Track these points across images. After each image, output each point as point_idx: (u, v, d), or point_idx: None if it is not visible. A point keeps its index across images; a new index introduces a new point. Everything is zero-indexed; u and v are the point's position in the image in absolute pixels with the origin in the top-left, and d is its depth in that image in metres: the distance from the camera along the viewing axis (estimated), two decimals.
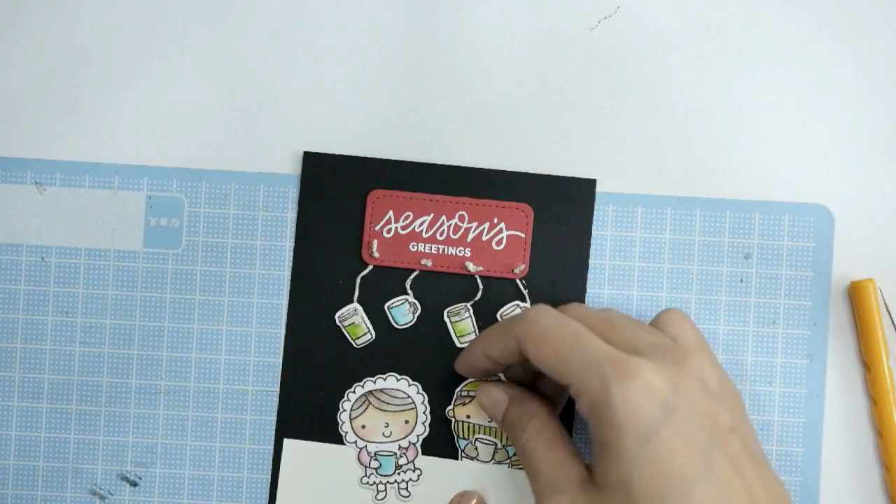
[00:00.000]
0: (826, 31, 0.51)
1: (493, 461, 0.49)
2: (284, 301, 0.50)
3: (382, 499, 0.49)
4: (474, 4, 0.51)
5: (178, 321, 0.50)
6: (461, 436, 0.49)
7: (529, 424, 0.45)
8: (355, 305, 0.50)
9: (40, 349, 0.50)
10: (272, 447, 0.50)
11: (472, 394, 0.49)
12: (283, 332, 0.50)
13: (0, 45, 0.51)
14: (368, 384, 0.49)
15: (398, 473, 0.49)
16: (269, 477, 0.50)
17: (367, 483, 0.49)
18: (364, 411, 0.49)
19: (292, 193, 0.50)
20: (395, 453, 0.49)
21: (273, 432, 0.50)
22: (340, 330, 0.50)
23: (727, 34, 0.51)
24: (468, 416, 0.49)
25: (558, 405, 0.48)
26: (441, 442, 0.50)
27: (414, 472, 0.49)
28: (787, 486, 0.49)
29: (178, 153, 0.50)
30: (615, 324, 0.44)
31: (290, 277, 0.50)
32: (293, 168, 0.50)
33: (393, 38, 0.51)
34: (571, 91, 0.51)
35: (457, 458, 0.49)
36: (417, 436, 0.49)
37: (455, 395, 0.49)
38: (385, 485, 0.49)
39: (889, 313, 0.49)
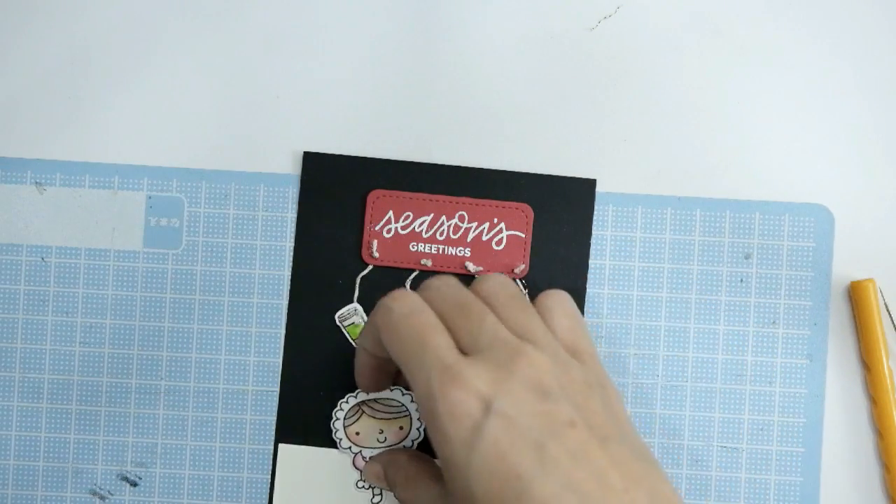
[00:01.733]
0: (826, 31, 0.51)
1: None
2: (284, 301, 0.50)
3: (378, 502, 0.49)
4: (474, 4, 0.51)
5: (178, 321, 0.50)
6: None
7: (397, 478, 0.46)
8: (355, 305, 0.50)
9: (40, 349, 0.50)
10: (272, 447, 0.50)
11: None
12: (283, 332, 0.50)
13: (0, 45, 0.51)
14: (361, 395, 0.49)
15: None
16: (269, 477, 0.50)
17: (364, 486, 0.49)
18: (357, 419, 0.49)
19: (292, 193, 0.50)
20: None
21: (273, 432, 0.50)
22: (340, 330, 0.50)
23: (727, 34, 0.51)
24: None
25: None
26: None
27: None
28: (787, 486, 0.49)
29: (178, 153, 0.50)
30: (471, 313, 0.42)
31: (290, 277, 0.50)
32: (293, 168, 0.50)
33: (393, 38, 0.51)
34: (571, 91, 0.51)
35: None
36: (413, 441, 0.49)
37: None
38: (381, 488, 0.49)
39: (889, 313, 0.49)
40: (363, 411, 0.49)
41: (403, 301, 0.42)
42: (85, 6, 0.51)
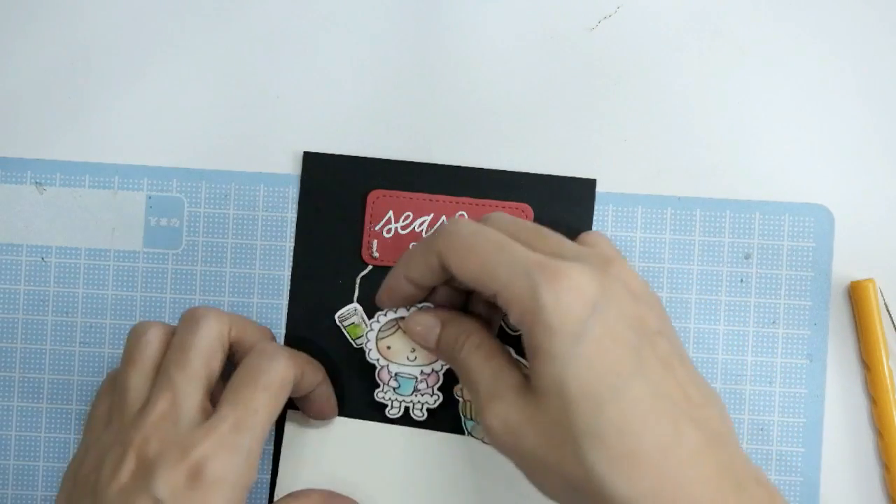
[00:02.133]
0: (826, 32, 0.51)
1: None
2: (284, 301, 0.50)
3: (395, 415, 0.49)
4: (474, 4, 0.51)
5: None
6: (469, 416, 0.49)
7: (467, 342, 0.44)
8: (355, 305, 0.50)
9: (40, 349, 0.50)
10: (272, 447, 0.50)
11: None
12: (283, 332, 0.50)
13: (0, 45, 0.51)
14: (402, 311, 0.48)
15: (415, 395, 0.49)
16: (269, 477, 0.50)
17: (382, 398, 0.49)
18: (392, 334, 0.48)
19: (292, 193, 0.50)
20: (416, 377, 0.48)
21: (273, 432, 0.50)
22: (340, 330, 0.50)
23: (727, 34, 0.51)
24: None
25: (493, 326, 0.47)
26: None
27: (432, 396, 0.48)
28: (787, 485, 0.49)
29: (178, 153, 0.50)
30: (539, 232, 0.43)
31: (290, 277, 0.50)
32: (293, 168, 0.50)
33: (393, 38, 0.51)
34: (571, 91, 0.51)
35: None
36: (441, 364, 0.48)
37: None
38: (400, 402, 0.49)
39: (889, 313, 0.49)
40: (399, 327, 0.48)
41: (468, 224, 0.43)
42: (85, 6, 0.51)
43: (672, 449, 0.39)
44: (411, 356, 0.48)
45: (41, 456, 0.50)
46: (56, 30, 0.51)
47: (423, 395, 0.48)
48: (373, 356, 0.48)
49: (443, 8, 0.51)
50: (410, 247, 0.45)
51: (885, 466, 0.49)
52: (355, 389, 0.49)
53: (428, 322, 0.46)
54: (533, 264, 0.40)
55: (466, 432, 0.49)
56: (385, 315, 0.48)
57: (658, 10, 0.51)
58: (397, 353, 0.48)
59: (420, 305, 0.47)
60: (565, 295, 0.39)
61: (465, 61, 0.51)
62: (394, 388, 0.48)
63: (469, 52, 0.51)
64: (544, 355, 0.40)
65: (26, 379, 0.50)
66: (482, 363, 0.43)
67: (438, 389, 0.48)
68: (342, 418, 0.49)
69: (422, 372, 0.48)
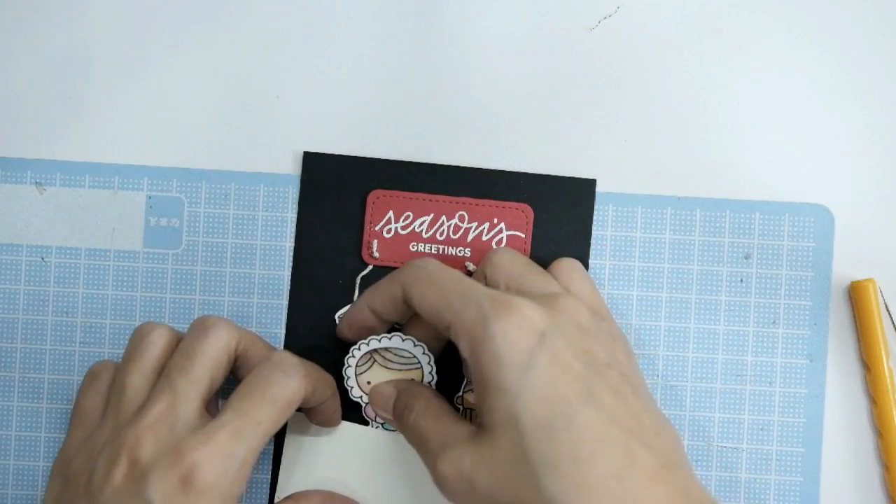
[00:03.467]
0: (826, 32, 0.51)
1: None
2: (284, 301, 0.50)
3: (392, 429, 0.49)
4: (474, 5, 0.51)
5: (179, 321, 0.50)
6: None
7: (416, 404, 0.45)
8: None
9: (40, 349, 0.50)
10: (272, 446, 0.50)
11: (470, 388, 0.49)
12: (283, 332, 0.50)
13: (0, 45, 0.51)
14: (374, 342, 0.48)
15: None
16: (269, 477, 0.50)
17: (373, 418, 0.49)
18: (369, 368, 0.49)
19: (292, 193, 0.50)
20: None
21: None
22: None
23: (727, 34, 0.51)
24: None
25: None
26: None
27: None
28: (787, 486, 0.50)
29: (178, 153, 0.50)
30: (499, 266, 0.46)
31: (290, 277, 0.50)
32: (293, 168, 0.50)
33: (393, 38, 0.51)
34: (571, 91, 0.51)
35: None
36: None
37: (465, 381, 0.49)
38: (381, 420, 0.49)
39: (889, 313, 0.49)
40: (375, 360, 0.49)
41: (434, 261, 0.45)
42: (85, 6, 0.51)
43: (626, 474, 0.39)
44: None
45: (41, 456, 0.50)
46: (56, 30, 0.51)
47: None
48: (355, 394, 0.48)
49: (443, 8, 0.51)
50: (375, 284, 0.47)
51: (885, 466, 0.49)
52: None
53: (385, 391, 0.48)
54: (484, 297, 0.42)
55: None
56: (359, 349, 0.48)
57: (658, 10, 0.51)
58: None
59: (392, 335, 0.48)
60: (512, 325, 0.40)
61: (466, 61, 0.51)
62: (382, 425, 0.49)
63: (469, 52, 0.51)
64: (494, 388, 0.40)
65: (26, 379, 0.50)
66: (430, 422, 0.44)
67: None
68: (343, 422, 0.49)
69: None
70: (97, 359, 0.50)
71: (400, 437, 0.47)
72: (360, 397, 0.48)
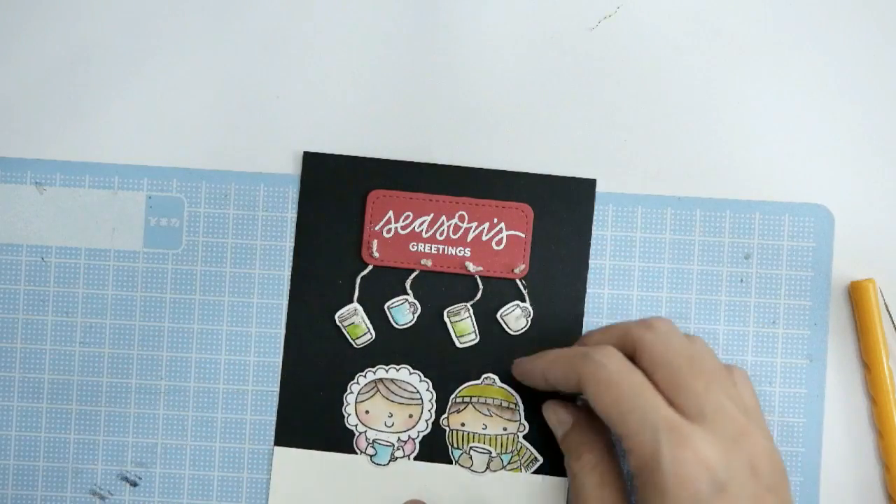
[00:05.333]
0: (826, 32, 0.51)
1: (487, 471, 0.49)
2: (284, 301, 0.50)
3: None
4: (474, 5, 0.51)
5: (178, 321, 0.50)
6: (455, 445, 0.49)
7: (585, 455, 0.44)
8: (355, 305, 0.50)
9: (40, 349, 0.50)
10: (272, 447, 0.50)
11: (466, 400, 0.49)
12: (283, 332, 0.50)
13: (0, 45, 0.51)
14: (381, 372, 0.49)
15: (392, 465, 0.49)
16: (269, 477, 0.50)
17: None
18: (370, 397, 0.49)
19: (292, 193, 0.50)
20: (393, 444, 0.49)
21: (273, 432, 0.50)
22: (340, 330, 0.50)
23: (727, 35, 0.51)
24: (462, 425, 0.49)
25: None
26: (441, 445, 0.50)
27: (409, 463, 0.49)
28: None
29: (178, 153, 0.50)
30: (691, 365, 0.42)
31: (290, 277, 0.50)
32: (293, 168, 0.50)
33: (393, 38, 0.51)
34: (571, 91, 0.51)
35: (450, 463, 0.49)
36: (419, 432, 0.49)
37: (450, 403, 0.49)
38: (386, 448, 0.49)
39: (889, 313, 0.49)
40: (378, 390, 0.49)
41: (615, 359, 0.42)
42: (85, 6, 0.51)
43: None
44: (388, 421, 0.49)
45: (41, 456, 0.50)
46: (56, 30, 0.51)
47: (399, 464, 0.49)
48: (351, 421, 0.48)
49: (443, 8, 0.51)
50: (558, 352, 0.46)
51: (885, 466, 0.49)
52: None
53: (561, 417, 0.47)
54: (662, 423, 0.40)
55: (454, 461, 0.49)
56: (364, 377, 0.48)
57: (658, 10, 0.51)
58: (375, 418, 0.49)
59: (400, 367, 0.48)
60: (686, 465, 0.39)
61: (466, 61, 0.51)
62: (371, 457, 0.49)
63: (469, 52, 0.51)
64: None
65: (26, 379, 0.50)
66: (594, 489, 0.43)
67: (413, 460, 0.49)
68: (332, 453, 0.49)
69: (399, 439, 0.49)
70: (97, 359, 0.50)
71: (391, 468, 0.48)
72: (356, 425, 0.49)
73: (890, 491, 0.49)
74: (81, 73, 0.51)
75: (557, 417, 0.47)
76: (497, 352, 0.50)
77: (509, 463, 0.49)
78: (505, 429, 0.49)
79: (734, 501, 0.39)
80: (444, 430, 0.49)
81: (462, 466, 0.49)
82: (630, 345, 0.44)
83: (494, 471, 0.49)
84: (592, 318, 0.50)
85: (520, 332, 0.49)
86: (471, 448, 0.49)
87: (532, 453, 0.49)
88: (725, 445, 0.40)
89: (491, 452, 0.49)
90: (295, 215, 0.50)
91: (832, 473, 0.50)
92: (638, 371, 0.42)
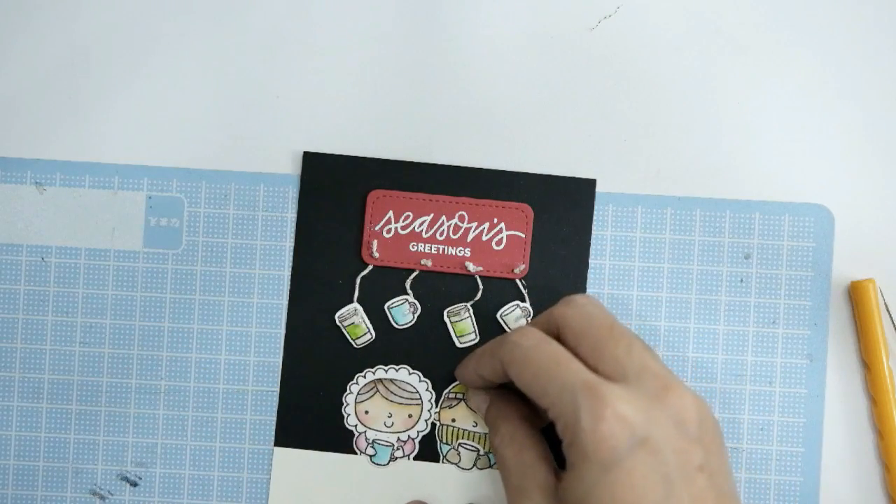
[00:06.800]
0: (826, 32, 0.51)
1: (475, 468, 0.49)
2: (284, 301, 0.50)
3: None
4: (474, 4, 0.51)
5: (178, 321, 0.50)
6: (444, 440, 0.49)
7: (502, 427, 0.45)
8: (355, 305, 0.50)
9: (40, 349, 0.50)
10: (272, 447, 0.50)
11: (458, 396, 0.49)
12: (283, 332, 0.50)
13: (0, 45, 0.51)
14: (380, 372, 0.49)
15: (392, 465, 0.49)
16: (269, 477, 0.50)
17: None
18: (370, 397, 0.49)
19: (292, 193, 0.50)
20: (393, 444, 0.49)
21: (273, 432, 0.50)
22: (340, 330, 0.50)
23: (727, 34, 0.51)
24: (453, 420, 0.49)
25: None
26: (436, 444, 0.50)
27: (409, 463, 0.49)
28: (787, 486, 0.49)
29: (178, 153, 0.50)
30: (611, 334, 0.43)
31: (290, 277, 0.50)
32: (293, 168, 0.50)
33: (393, 38, 0.51)
34: (571, 91, 0.51)
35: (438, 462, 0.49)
36: (418, 432, 0.49)
37: (442, 398, 0.49)
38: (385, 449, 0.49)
39: (889, 313, 0.49)
40: (377, 390, 0.49)
41: (530, 336, 0.43)
42: (85, 6, 0.51)
43: None
44: (388, 421, 0.49)
45: (41, 456, 0.50)
46: (55, 29, 0.51)
47: (398, 464, 0.49)
48: (351, 422, 0.49)
49: (443, 8, 0.51)
50: (483, 346, 0.47)
51: (885, 466, 0.49)
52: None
53: (480, 399, 0.48)
54: (580, 386, 0.40)
55: (442, 457, 0.49)
56: (364, 377, 0.48)
57: (658, 10, 0.51)
58: (374, 418, 0.49)
59: (399, 367, 0.49)
60: (604, 423, 0.39)
61: (466, 61, 0.51)
62: (370, 458, 0.49)
63: (469, 52, 0.51)
64: (574, 475, 0.40)
65: (26, 379, 0.50)
66: (513, 455, 0.44)
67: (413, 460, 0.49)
68: (332, 453, 0.49)
69: (398, 439, 0.49)
70: (97, 359, 0.50)
71: (390, 469, 0.48)
72: (356, 426, 0.49)
73: (890, 491, 0.49)
74: (81, 73, 0.51)
75: (476, 401, 0.48)
76: None
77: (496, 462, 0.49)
78: None
79: (655, 455, 0.39)
80: (435, 425, 0.49)
81: (450, 462, 0.49)
82: (554, 325, 0.45)
83: (481, 468, 0.49)
84: None
85: None
86: (459, 444, 0.49)
87: None
88: (647, 401, 0.40)
89: (479, 450, 0.49)
90: (295, 215, 0.50)
91: (832, 473, 0.50)
92: (553, 342, 0.43)
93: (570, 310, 0.44)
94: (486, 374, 0.46)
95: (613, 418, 0.39)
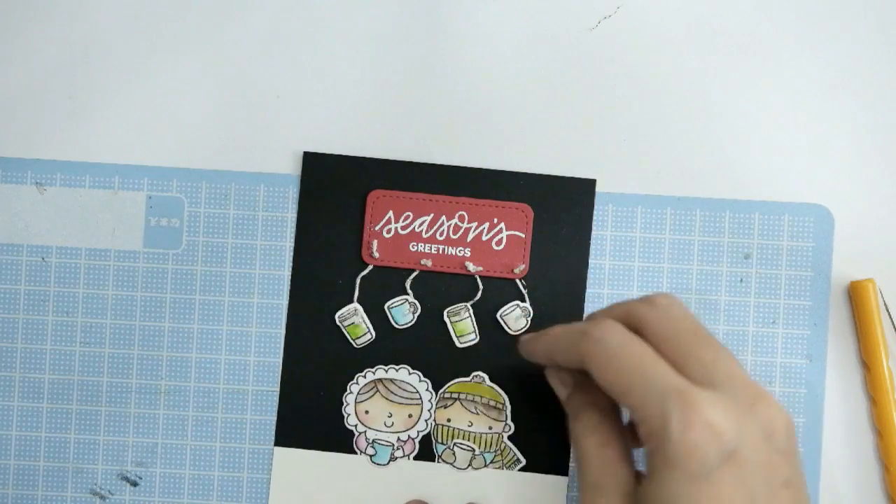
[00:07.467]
0: (826, 32, 0.51)
1: (469, 468, 0.49)
2: (284, 301, 0.50)
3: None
4: (474, 4, 0.51)
5: (178, 321, 0.50)
6: (439, 440, 0.49)
7: (587, 415, 0.43)
8: (355, 305, 0.50)
9: (40, 349, 0.50)
10: (272, 447, 0.50)
11: (454, 396, 0.49)
12: (283, 332, 0.50)
13: (0, 45, 0.51)
14: (380, 372, 0.49)
15: (392, 464, 0.49)
16: (269, 477, 0.50)
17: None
18: (370, 397, 0.49)
19: (292, 193, 0.50)
20: (393, 444, 0.49)
21: (273, 432, 0.50)
22: (340, 330, 0.50)
23: (727, 34, 0.51)
24: (448, 420, 0.49)
25: None
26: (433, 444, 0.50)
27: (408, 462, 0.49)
28: None
29: (178, 153, 0.50)
30: (697, 339, 0.41)
31: (290, 277, 0.50)
32: (293, 168, 0.50)
33: (393, 38, 0.51)
34: (571, 91, 0.51)
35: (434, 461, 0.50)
36: (418, 432, 0.49)
37: (437, 397, 0.49)
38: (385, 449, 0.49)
39: (889, 313, 0.49)
40: (377, 390, 0.49)
41: (616, 333, 0.41)
42: (85, 6, 0.51)
43: None
44: (388, 421, 0.49)
45: (41, 456, 0.50)
46: (56, 30, 0.51)
47: (398, 463, 0.49)
48: (351, 422, 0.49)
49: (443, 8, 0.51)
50: (559, 329, 0.44)
51: (885, 466, 0.49)
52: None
53: (564, 379, 0.45)
54: (669, 390, 0.38)
55: (437, 456, 0.49)
56: (364, 377, 0.48)
57: (658, 10, 0.51)
58: (374, 418, 0.49)
59: (399, 367, 0.48)
60: (694, 432, 0.38)
61: (465, 61, 0.51)
62: (370, 457, 0.49)
63: (469, 52, 0.51)
64: (656, 482, 0.39)
65: (26, 379, 0.50)
66: (594, 449, 0.42)
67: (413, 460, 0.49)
68: (332, 453, 0.49)
69: (398, 439, 0.49)
70: (97, 359, 0.50)
71: (390, 468, 0.48)
72: (356, 425, 0.49)
73: (890, 491, 0.49)
74: (81, 73, 0.51)
75: (560, 379, 0.45)
76: (497, 352, 0.50)
77: (491, 462, 0.49)
78: (490, 427, 0.49)
79: (743, 468, 0.38)
80: (430, 425, 0.49)
81: (445, 462, 0.49)
82: (633, 323, 0.43)
83: (476, 468, 0.49)
84: None
85: (520, 332, 0.49)
86: (454, 444, 0.49)
87: (515, 454, 0.49)
88: (737, 410, 0.39)
89: (474, 450, 0.49)
90: (295, 215, 0.50)
91: (832, 473, 0.50)
92: (640, 341, 0.41)
93: (652, 311, 0.42)
94: (560, 360, 0.44)
95: (703, 426, 0.38)
